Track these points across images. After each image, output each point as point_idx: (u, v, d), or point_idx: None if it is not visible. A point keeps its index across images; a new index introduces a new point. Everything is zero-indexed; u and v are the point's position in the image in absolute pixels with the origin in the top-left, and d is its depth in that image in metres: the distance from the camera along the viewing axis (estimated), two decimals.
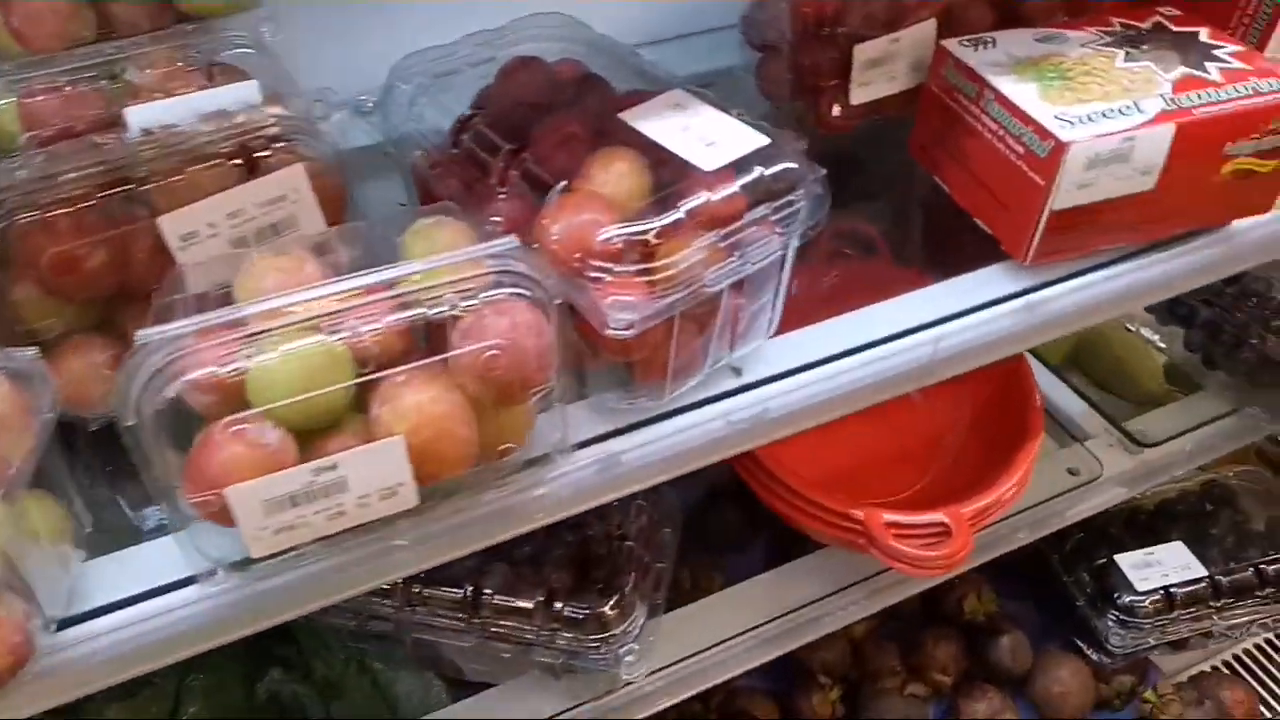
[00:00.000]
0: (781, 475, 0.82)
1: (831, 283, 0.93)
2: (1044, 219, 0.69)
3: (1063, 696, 1.14)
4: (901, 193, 0.92)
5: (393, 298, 0.49)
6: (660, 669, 0.84)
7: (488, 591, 0.72)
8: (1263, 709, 1.19)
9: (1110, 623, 1.11)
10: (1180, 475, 1.26)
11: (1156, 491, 1.24)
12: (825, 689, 1.14)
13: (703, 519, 1.07)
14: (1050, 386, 1.12)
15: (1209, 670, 1.21)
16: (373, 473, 0.48)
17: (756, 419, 0.64)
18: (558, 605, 0.71)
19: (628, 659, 0.73)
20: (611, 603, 0.73)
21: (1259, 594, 1.11)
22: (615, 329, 0.52)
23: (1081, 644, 1.15)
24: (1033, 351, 1.33)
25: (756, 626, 0.88)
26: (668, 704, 0.85)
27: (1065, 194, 0.67)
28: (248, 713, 0.99)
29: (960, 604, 1.22)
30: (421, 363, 0.48)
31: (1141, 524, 1.21)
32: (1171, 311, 1.09)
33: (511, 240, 0.50)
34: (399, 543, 0.53)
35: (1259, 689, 1.22)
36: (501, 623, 0.73)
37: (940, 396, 0.99)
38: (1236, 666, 1.25)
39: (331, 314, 0.47)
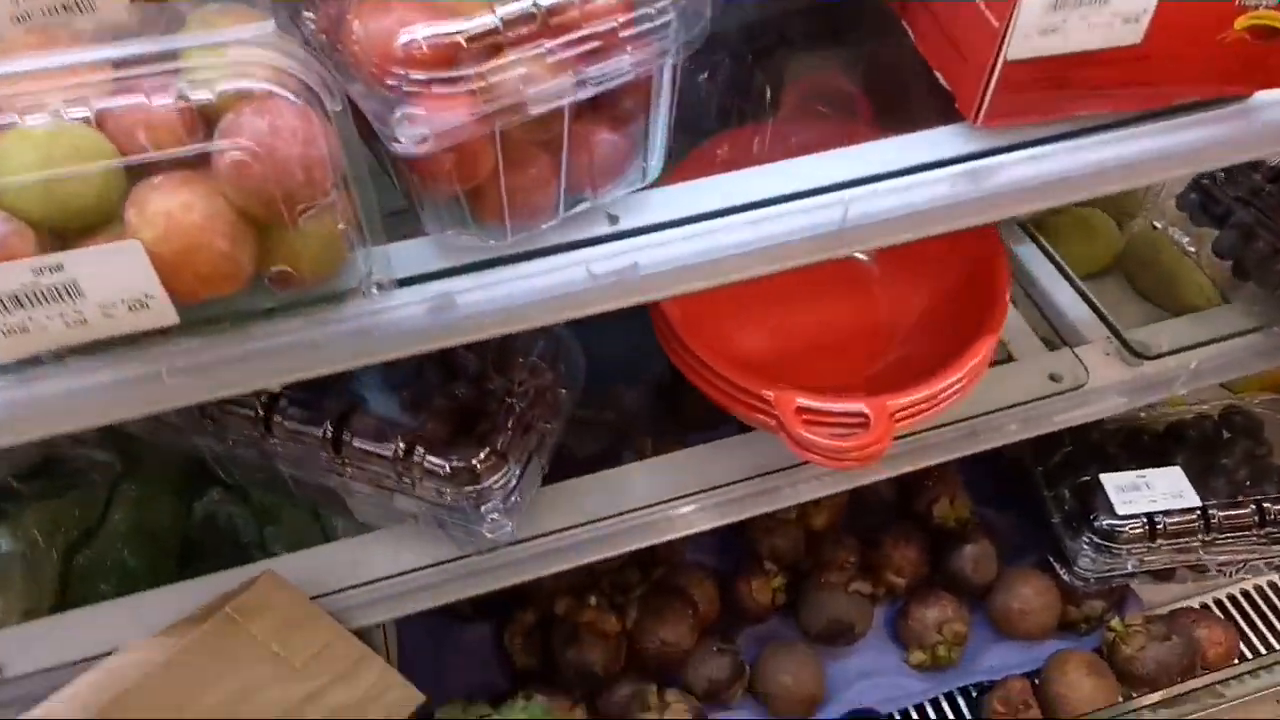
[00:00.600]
0: (696, 348, 0.75)
1: (799, 143, 0.83)
2: (997, 70, 0.57)
3: (1021, 614, 1.08)
4: (883, 45, 0.81)
5: (149, 76, 0.43)
6: (551, 532, 0.80)
7: (348, 435, 0.68)
8: (1245, 650, 1.11)
9: (1083, 544, 1.02)
10: (1196, 397, 1.15)
11: (1168, 413, 1.13)
12: (768, 575, 1.11)
13: (673, 396, 1.02)
14: (1054, 287, 1.01)
15: (1194, 607, 1.13)
16: (113, 280, 0.44)
17: (624, 273, 0.57)
18: (418, 454, 0.68)
19: (492, 516, 0.70)
20: (481, 456, 0.68)
21: (1257, 532, 1.01)
22: (405, 145, 0.45)
23: (1054, 563, 1.08)
24: (1067, 256, 1.20)
25: (665, 501, 0.83)
26: (561, 568, 0.82)
27: (1023, 40, 0.56)
28: (178, 527, 1.01)
29: (930, 507, 1.15)
30: (186, 158, 0.43)
31: (1144, 445, 1.10)
32: (1204, 210, 0.95)
33: (268, 26, 0.43)
34: (175, 365, 0.49)
35: (1248, 632, 1.13)
36: (363, 466, 0.69)
37: (903, 284, 0.89)
38: (1229, 606, 1.16)
39: (73, 89, 0.42)
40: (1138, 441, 1.10)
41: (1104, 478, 1.03)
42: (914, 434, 0.87)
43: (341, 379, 0.73)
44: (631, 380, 1.04)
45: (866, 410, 0.72)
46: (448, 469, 0.68)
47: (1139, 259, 1.25)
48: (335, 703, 0.81)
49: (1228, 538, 1.00)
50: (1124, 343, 0.93)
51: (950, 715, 1.08)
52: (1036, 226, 1.30)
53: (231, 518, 1.04)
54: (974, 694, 1.08)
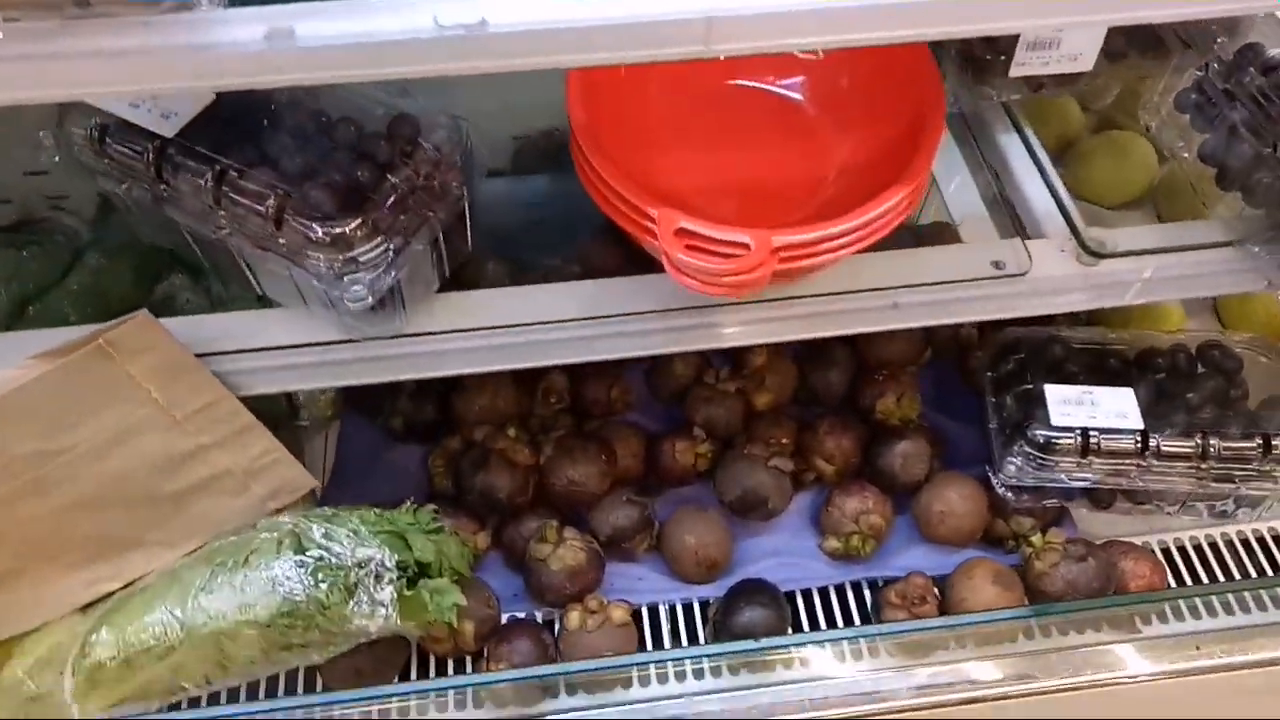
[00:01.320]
0: (596, 160, 0.74)
1: None
2: None
3: (942, 517, 1.05)
4: None
5: None
6: (445, 332, 0.81)
7: (228, 187, 0.70)
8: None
9: (1014, 451, 0.99)
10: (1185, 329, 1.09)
11: (1142, 337, 1.07)
12: (694, 440, 1.10)
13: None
14: (1026, 178, 0.95)
15: (1130, 542, 1.08)
16: None
17: (472, 29, 0.56)
18: (290, 214, 0.68)
19: (355, 288, 0.70)
20: (354, 224, 0.69)
21: (1198, 466, 0.95)
22: None
23: (989, 471, 1.04)
24: (1097, 181, 1.13)
25: (568, 320, 0.82)
26: (453, 371, 0.83)
27: None
28: (134, 302, 1.05)
29: (875, 402, 1.12)
30: None
31: (1107, 368, 1.04)
32: (1200, 111, 0.88)
33: None
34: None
35: (1186, 581, 1.08)
36: (241, 221, 0.71)
37: (838, 131, 0.86)
38: (1174, 554, 1.10)
39: None
40: (1101, 364, 1.05)
41: (1048, 388, 0.98)
42: (830, 294, 0.84)
43: (240, 134, 0.74)
44: None
45: (749, 240, 0.70)
46: (319, 233, 0.69)
47: (1170, 192, 1.17)
48: (219, 465, 0.85)
49: (1166, 466, 0.95)
50: (1080, 240, 0.87)
51: (852, 601, 1.06)
52: (1065, 144, 1.23)
53: (189, 303, 1.08)
54: (880, 586, 1.06)
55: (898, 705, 0.99)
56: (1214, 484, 0.96)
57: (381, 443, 1.16)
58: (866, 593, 1.07)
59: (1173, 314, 1.15)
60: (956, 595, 1.00)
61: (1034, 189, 0.94)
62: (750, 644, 0.94)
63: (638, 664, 0.94)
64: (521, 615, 1.04)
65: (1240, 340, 1.05)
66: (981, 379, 1.07)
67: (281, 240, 0.70)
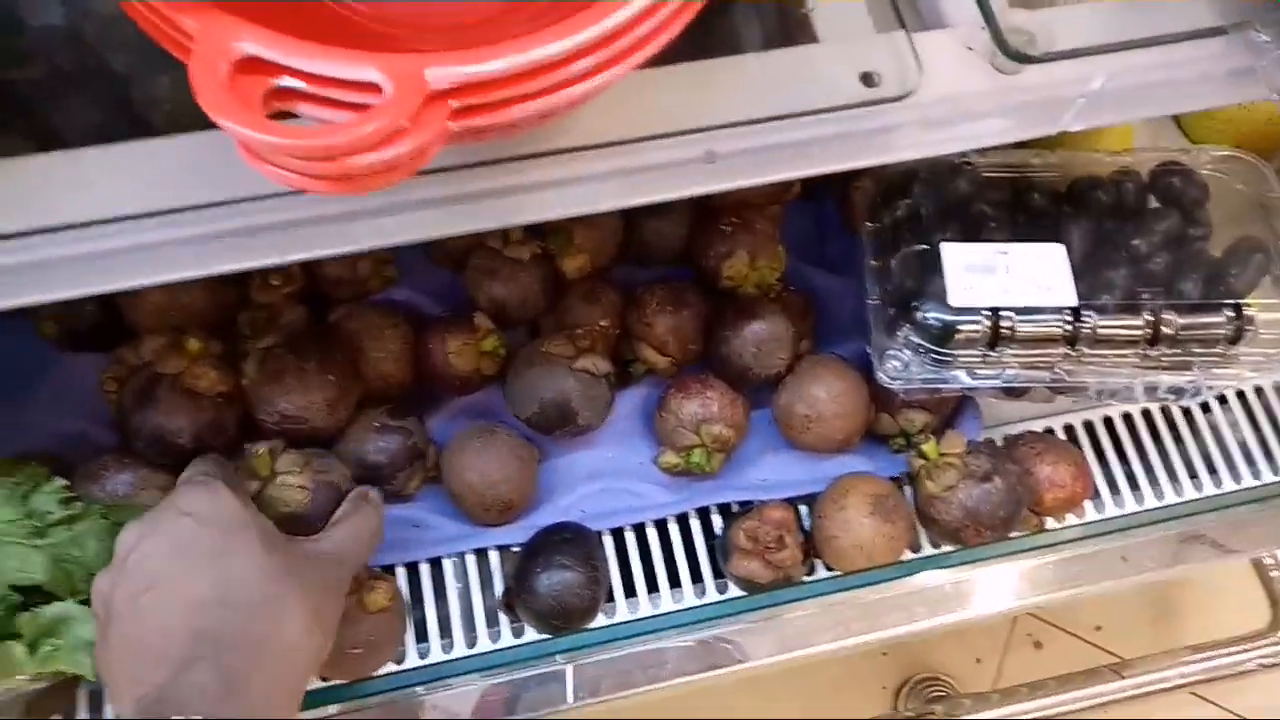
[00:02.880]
0: None
1: None
2: None
3: (807, 423, 0.79)
4: None
5: None
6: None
7: None
8: (1106, 497, 0.83)
9: (897, 340, 0.71)
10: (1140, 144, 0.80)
11: (1075, 159, 0.77)
12: (475, 333, 0.80)
13: None
14: None
15: (1042, 433, 0.84)
16: None
17: None
18: None
19: None
20: None
21: (1144, 352, 0.69)
22: None
23: (871, 355, 0.76)
24: None
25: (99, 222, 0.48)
26: None
27: None
28: None
29: (720, 263, 0.82)
30: None
31: (1031, 206, 0.75)
32: None
33: None
34: None
35: (1114, 471, 0.85)
36: None
37: None
38: (1099, 430, 0.87)
39: None
40: (1022, 200, 0.75)
41: (947, 248, 0.69)
42: (595, 147, 0.52)
43: None
44: None
45: (380, 77, 0.36)
46: None
47: None
48: None
49: (1102, 355, 0.69)
50: (996, 33, 0.55)
51: (697, 529, 0.82)
52: None
53: None
54: (733, 511, 0.82)
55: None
56: (1164, 375, 0.71)
57: (41, 355, 0.83)
58: (715, 518, 0.82)
59: (1119, 127, 0.85)
60: (824, 531, 0.76)
61: None
62: (531, 647, 0.70)
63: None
64: None
65: (1208, 160, 0.76)
66: (860, 228, 0.77)
67: None
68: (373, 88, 0.37)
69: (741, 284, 0.82)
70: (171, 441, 0.70)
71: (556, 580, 0.73)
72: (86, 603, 0.61)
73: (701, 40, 0.49)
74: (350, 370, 0.76)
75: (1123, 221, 0.74)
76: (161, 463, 0.73)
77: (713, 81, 0.54)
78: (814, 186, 0.90)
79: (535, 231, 0.83)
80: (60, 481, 0.64)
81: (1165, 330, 0.68)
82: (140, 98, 0.58)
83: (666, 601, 0.79)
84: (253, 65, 0.37)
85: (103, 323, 0.79)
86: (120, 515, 0.67)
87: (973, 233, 0.72)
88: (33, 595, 0.59)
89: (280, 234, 0.49)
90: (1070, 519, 0.82)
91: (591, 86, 0.40)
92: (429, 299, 0.86)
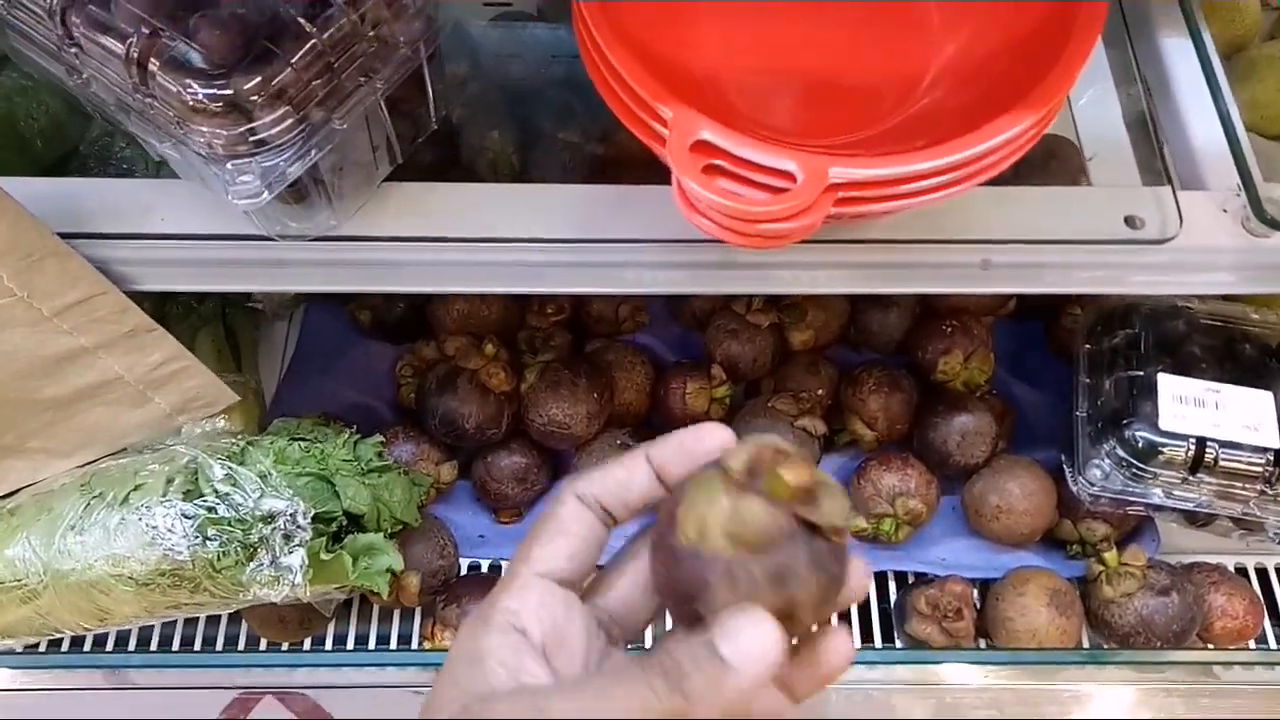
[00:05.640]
0: (601, 33, 0.52)
1: None
2: None
3: (997, 513, 0.86)
4: None
5: None
6: (382, 239, 0.62)
7: (80, 18, 0.50)
8: (1271, 636, 0.87)
9: (1103, 451, 0.79)
10: None
11: None
12: (711, 381, 0.91)
13: None
14: (1193, 102, 0.70)
15: (1220, 565, 0.88)
16: None
17: None
18: (155, 63, 0.49)
19: (243, 179, 0.51)
20: (248, 87, 0.49)
21: None
22: None
23: (1066, 464, 0.84)
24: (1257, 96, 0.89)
25: (549, 241, 0.62)
26: (390, 289, 0.65)
27: None
28: (61, 138, 0.87)
29: (938, 359, 0.91)
30: None
31: (1241, 356, 0.82)
32: None
33: None
34: None
35: None
36: (101, 64, 0.51)
37: (958, 21, 0.62)
38: (1273, 579, 0.91)
39: None
40: (1234, 350, 0.82)
41: (1163, 378, 0.77)
42: (897, 241, 0.63)
43: None
44: None
45: (795, 169, 0.49)
46: (197, 94, 0.49)
47: None
48: (109, 372, 0.68)
49: None
50: (1254, 199, 0.64)
51: (872, 596, 0.90)
52: (1233, 49, 0.96)
53: (124, 151, 0.90)
54: (910, 581, 0.90)
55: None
56: None
57: (349, 337, 0.99)
58: (891, 584, 0.90)
59: None
60: (1001, 612, 0.83)
61: (1199, 118, 0.70)
62: None
63: None
64: (486, 566, 0.89)
65: None
66: (1076, 347, 0.86)
67: (149, 99, 0.51)
68: (787, 175, 0.49)
69: (953, 380, 0.91)
70: (460, 423, 0.84)
71: None
72: (390, 538, 0.73)
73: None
74: (608, 393, 0.88)
75: None
76: (443, 440, 0.86)
77: (999, 205, 0.64)
78: (1027, 307, 0.99)
79: (771, 302, 0.95)
80: (379, 437, 0.78)
81: None
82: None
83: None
84: (703, 146, 0.49)
85: (407, 319, 0.94)
86: (415, 478, 0.80)
87: (1184, 369, 0.79)
88: (353, 524, 0.72)
89: (693, 272, 0.62)
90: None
91: (941, 196, 0.52)
92: (666, 347, 0.98)
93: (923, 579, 0.88)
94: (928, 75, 0.60)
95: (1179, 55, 0.73)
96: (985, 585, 0.88)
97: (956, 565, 0.89)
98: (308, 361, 0.98)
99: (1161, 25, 0.74)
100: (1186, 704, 0.85)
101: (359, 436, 0.77)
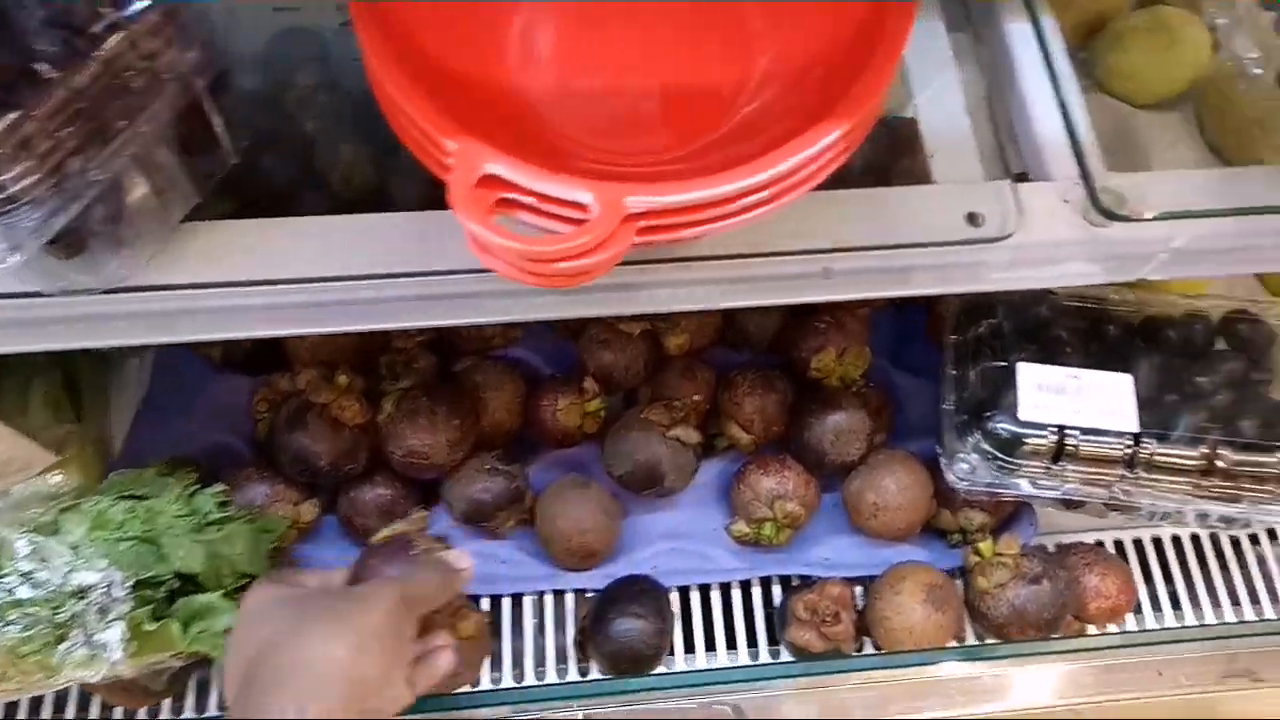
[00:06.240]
0: (377, 59, 0.48)
1: None
2: None
3: (875, 509, 0.85)
4: None
5: None
6: (170, 287, 0.57)
7: None
8: (1146, 609, 0.89)
9: (967, 444, 0.78)
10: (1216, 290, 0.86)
11: (1150, 301, 0.84)
12: (583, 395, 0.88)
13: None
14: (1035, 92, 0.69)
15: (1094, 544, 0.89)
16: None
17: None
18: None
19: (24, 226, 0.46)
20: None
21: (1198, 482, 0.75)
22: None
23: (941, 455, 0.83)
24: (1129, 72, 0.89)
25: (345, 279, 0.58)
26: (199, 338, 0.60)
27: None
28: None
29: (811, 356, 0.90)
30: None
31: (1105, 337, 0.82)
32: None
33: None
34: None
35: (1157, 586, 0.90)
36: None
37: (771, 29, 0.59)
38: (1148, 549, 0.92)
39: None
40: (1098, 330, 0.83)
41: (1022, 367, 0.77)
42: (731, 257, 0.60)
43: None
44: None
45: (590, 199, 0.45)
46: None
47: (1221, 99, 0.91)
48: None
49: (1158, 480, 0.75)
50: (1091, 191, 0.63)
51: (757, 601, 0.88)
52: (1101, 23, 0.96)
53: None
54: (793, 584, 0.88)
55: None
56: (1216, 505, 0.76)
57: (203, 373, 0.93)
58: (776, 588, 0.89)
59: None
60: (878, 612, 0.82)
61: (1043, 107, 0.68)
62: (594, 685, 0.77)
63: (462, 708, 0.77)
64: None
65: (1278, 312, 0.83)
66: (944, 339, 0.85)
67: None
68: (581, 206, 0.46)
69: (828, 376, 0.90)
70: (313, 462, 0.80)
71: (629, 627, 0.80)
72: (229, 596, 0.69)
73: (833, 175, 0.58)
74: (471, 417, 0.85)
75: (1189, 359, 0.81)
76: (299, 480, 0.82)
77: (836, 210, 0.62)
78: (907, 297, 0.98)
79: None
80: (220, 486, 0.73)
81: (1220, 464, 0.74)
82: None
83: (722, 658, 0.86)
84: (492, 181, 0.46)
85: (260, 351, 0.89)
86: (264, 524, 0.76)
87: (1048, 355, 0.79)
88: (187, 584, 0.68)
89: (505, 300, 0.58)
90: (1111, 629, 0.87)
91: (751, 218, 0.49)
92: (542, 359, 0.95)
93: (807, 581, 0.87)
94: (743, 89, 0.57)
95: (1023, 43, 0.71)
96: (870, 581, 0.87)
97: (839, 564, 0.88)
98: (161, 402, 0.92)
99: (1005, 11, 0.73)
100: (1071, 684, 0.86)
101: (197, 487, 0.72)
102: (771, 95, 0.55)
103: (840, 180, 0.56)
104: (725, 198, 0.47)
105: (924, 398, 0.94)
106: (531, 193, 0.46)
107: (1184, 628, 0.86)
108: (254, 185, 0.67)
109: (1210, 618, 0.89)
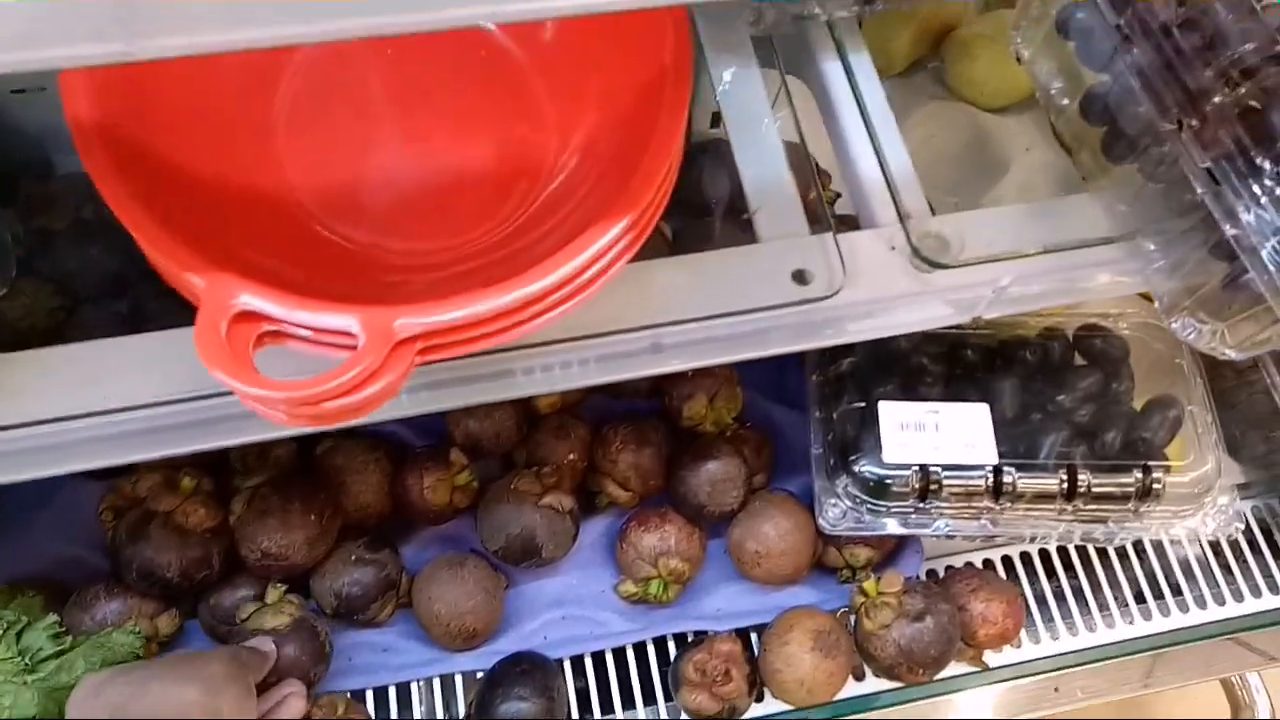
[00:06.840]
0: (105, 176, 0.44)
1: None
2: None
3: (757, 558, 0.84)
4: None
5: None
6: None
7: None
8: (1039, 625, 0.89)
9: (836, 490, 0.77)
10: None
11: (1004, 323, 0.84)
12: (450, 469, 0.85)
13: None
14: (855, 134, 0.68)
15: (979, 567, 0.89)
16: None
17: None
18: None
19: None
20: None
21: (1062, 505, 0.75)
22: None
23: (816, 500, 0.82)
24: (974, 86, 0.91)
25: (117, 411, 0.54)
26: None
27: None
28: None
29: (682, 405, 0.88)
30: None
31: (965, 362, 0.82)
32: (1087, 38, 0.61)
33: None
34: None
35: (1048, 598, 0.90)
36: None
37: (575, 99, 0.57)
38: (1035, 563, 0.92)
39: None
40: (958, 356, 0.82)
41: (884, 406, 0.76)
42: (551, 343, 0.58)
43: None
44: None
45: (356, 326, 0.43)
46: None
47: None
48: None
49: (1024, 508, 0.75)
50: (910, 243, 0.62)
51: (653, 658, 0.86)
52: (947, 30, 0.97)
53: None
54: (688, 641, 0.86)
55: None
56: (1080, 525, 0.76)
57: (51, 480, 0.88)
58: (671, 646, 0.87)
59: None
60: (769, 664, 0.81)
61: (858, 148, 0.67)
62: None
63: None
64: None
65: (1131, 323, 0.83)
66: (807, 380, 0.84)
67: None
68: (349, 334, 0.43)
69: (700, 423, 0.88)
70: (160, 575, 0.75)
71: (514, 711, 0.77)
72: None
73: (657, 240, 0.56)
74: (332, 507, 0.81)
75: (1048, 378, 0.81)
76: (151, 593, 0.78)
77: (658, 282, 0.60)
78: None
79: None
80: (52, 618, 0.69)
81: (1079, 487, 0.74)
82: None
83: None
84: (249, 316, 0.43)
85: None
86: (102, 640, 0.72)
87: (910, 387, 0.78)
88: None
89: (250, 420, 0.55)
90: (1007, 650, 0.87)
91: (543, 323, 0.47)
92: (411, 430, 0.92)
93: (699, 637, 0.85)
94: (552, 169, 0.55)
95: (837, 83, 0.70)
96: (763, 632, 0.85)
97: (731, 613, 0.87)
98: (11, 507, 0.87)
99: (820, 53, 0.72)
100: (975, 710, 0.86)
101: (26, 623, 0.68)
102: (557, 189, 0.53)
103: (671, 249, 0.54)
104: (506, 309, 0.45)
105: (804, 429, 0.93)
106: (292, 323, 0.43)
107: (1071, 653, 0.86)
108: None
109: (1101, 627, 0.90)
